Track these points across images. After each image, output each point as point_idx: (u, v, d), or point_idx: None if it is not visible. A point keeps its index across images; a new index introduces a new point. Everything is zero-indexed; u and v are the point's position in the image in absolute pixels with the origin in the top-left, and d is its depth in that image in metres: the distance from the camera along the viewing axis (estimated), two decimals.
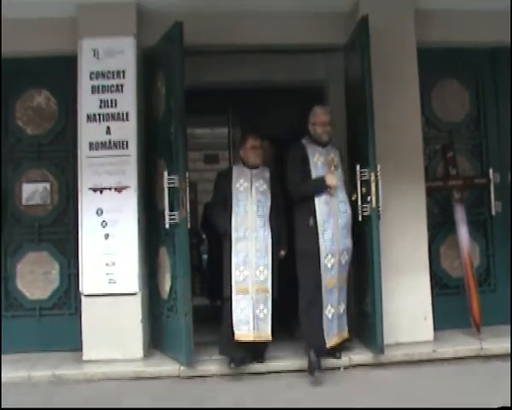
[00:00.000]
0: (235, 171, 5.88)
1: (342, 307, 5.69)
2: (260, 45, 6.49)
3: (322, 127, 5.77)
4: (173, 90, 5.82)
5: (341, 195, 5.67)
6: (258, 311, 5.52)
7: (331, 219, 5.56)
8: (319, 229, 5.52)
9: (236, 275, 5.55)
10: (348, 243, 5.67)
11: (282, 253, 5.81)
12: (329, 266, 5.52)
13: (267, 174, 5.85)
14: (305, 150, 5.74)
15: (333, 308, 5.57)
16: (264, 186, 5.77)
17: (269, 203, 5.72)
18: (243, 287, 5.54)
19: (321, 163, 5.70)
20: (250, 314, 5.50)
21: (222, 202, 5.78)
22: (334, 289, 5.57)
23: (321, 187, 5.58)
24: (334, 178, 5.58)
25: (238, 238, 5.60)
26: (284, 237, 5.83)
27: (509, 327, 6.10)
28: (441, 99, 6.85)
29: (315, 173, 5.66)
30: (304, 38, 6.45)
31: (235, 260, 5.58)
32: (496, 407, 3.74)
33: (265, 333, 5.55)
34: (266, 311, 5.54)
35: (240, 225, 5.62)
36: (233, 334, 5.51)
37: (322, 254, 5.50)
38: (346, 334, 5.76)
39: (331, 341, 5.56)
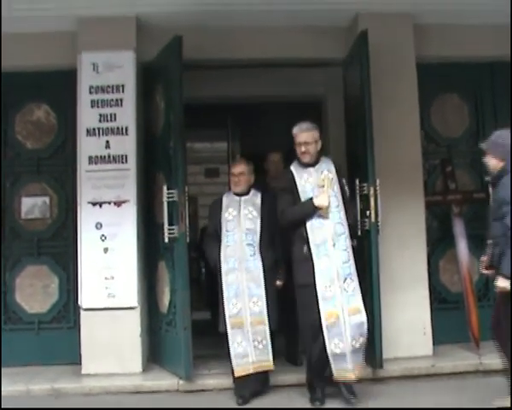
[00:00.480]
0: (225, 199, 5.59)
1: (358, 342, 4.98)
2: (260, 60, 6.52)
3: (303, 147, 5.25)
4: (172, 104, 5.83)
5: (338, 215, 5.13)
6: (256, 343, 5.25)
7: (326, 244, 5.05)
8: (313, 257, 5.03)
9: (230, 308, 5.26)
10: (351, 268, 5.08)
11: (278, 283, 5.53)
12: (329, 296, 4.98)
13: (258, 200, 5.54)
14: (292, 175, 5.27)
15: (341, 343, 4.93)
16: (254, 213, 5.46)
17: (259, 230, 5.44)
18: (238, 321, 5.25)
19: (310, 184, 5.21)
20: (248, 347, 5.23)
21: (214, 233, 5.57)
22: (338, 322, 4.93)
23: (310, 210, 5.10)
24: (323, 199, 5.07)
25: (228, 270, 5.32)
26: (280, 265, 5.54)
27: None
28: (440, 113, 6.87)
29: (304, 197, 5.19)
30: (303, 52, 6.47)
31: (227, 293, 5.29)
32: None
33: (267, 362, 5.29)
34: (265, 342, 5.27)
35: (229, 256, 5.35)
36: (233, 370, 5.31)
37: (319, 285, 4.99)
38: (357, 372, 5.05)
39: (343, 374, 5.03)
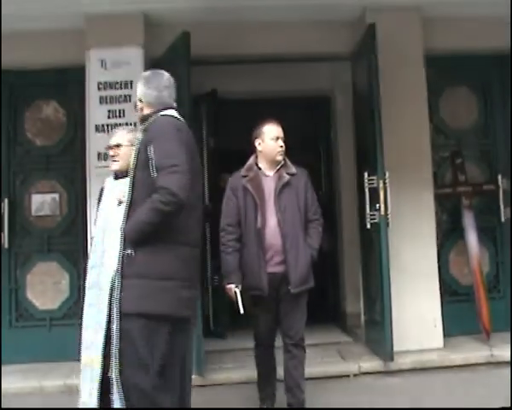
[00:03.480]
0: None
1: None
2: (267, 55, 6.52)
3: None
4: (181, 101, 5.83)
5: None
6: None
7: None
8: None
9: None
10: None
11: None
12: None
13: None
14: None
15: None
16: None
17: None
18: None
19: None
20: None
21: None
22: None
23: None
24: None
25: None
26: None
27: None
28: (449, 106, 6.86)
29: None
30: (310, 46, 6.45)
31: None
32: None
33: None
34: None
35: None
36: None
37: None
38: None
39: None
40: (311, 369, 5.54)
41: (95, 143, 6.05)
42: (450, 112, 6.86)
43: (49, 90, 6.54)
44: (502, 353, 5.78)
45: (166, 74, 3.88)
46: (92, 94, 6.09)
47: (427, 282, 6.14)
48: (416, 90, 6.32)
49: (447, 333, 6.18)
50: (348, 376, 5.60)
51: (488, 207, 6.74)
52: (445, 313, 6.22)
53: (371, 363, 5.78)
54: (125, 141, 4.29)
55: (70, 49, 6.17)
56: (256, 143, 4.60)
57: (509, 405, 3.66)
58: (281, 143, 4.55)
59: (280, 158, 4.55)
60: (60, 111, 6.57)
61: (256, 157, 4.63)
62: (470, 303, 6.31)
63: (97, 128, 6.06)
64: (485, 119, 6.92)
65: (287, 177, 4.50)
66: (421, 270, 6.09)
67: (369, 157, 5.90)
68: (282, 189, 4.47)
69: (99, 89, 6.08)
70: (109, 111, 6.07)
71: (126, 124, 6.01)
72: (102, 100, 6.08)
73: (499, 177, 6.54)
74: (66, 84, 6.48)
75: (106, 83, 6.09)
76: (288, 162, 4.61)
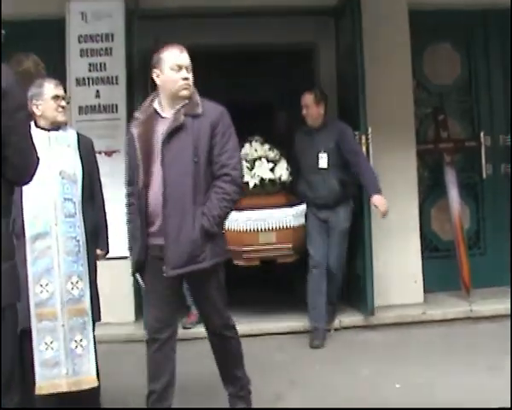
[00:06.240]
0: None
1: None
2: (247, 8, 6.35)
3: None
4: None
5: None
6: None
7: None
8: None
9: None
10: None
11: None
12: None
13: None
14: None
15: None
16: None
17: None
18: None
19: None
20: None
21: None
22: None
23: None
24: None
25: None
26: None
27: (498, 289, 6.23)
28: (433, 62, 6.81)
29: None
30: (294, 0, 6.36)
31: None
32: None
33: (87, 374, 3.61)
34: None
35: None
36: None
37: None
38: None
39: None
40: (292, 323, 5.64)
41: (76, 96, 5.95)
42: (433, 68, 6.82)
43: (28, 43, 6.39)
44: (481, 308, 5.87)
45: None
46: (72, 47, 6.00)
47: (408, 238, 6.18)
48: (399, 45, 6.27)
49: (427, 289, 6.25)
50: (329, 330, 5.64)
51: (470, 163, 6.77)
52: (426, 268, 6.27)
53: (352, 318, 5.84)
54: None
55: (50, 1, 6.03)
56: (154, 76, 3.54)
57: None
58: (185, 73, 3.47)
59: (185, 93, 3.47)
60: (40, 64, 6.43)
61: (156, 94, 3.60)
62: (451, 259, 6.36)
63: (78, 81, 5.99)
64: (469, 75, 6.89)
65: (181, 118, 3.42)
66: (403, 226, 6.12)
67: (352, 113, 5.89)
68: (170, 134, 3.40)
69: (79, 42, 5.98)
70: (90, 64, 5.99)
71: (107, 77, 5.97)
72: (83, 53, 5.99)
73: (482, 133, 6.55)
74: (47, 36, 6.35)
75: (86, 36, 5.99)
76: (197, 99, 3.52)
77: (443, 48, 6.84)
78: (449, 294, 6.31)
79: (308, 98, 5.60)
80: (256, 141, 5.86)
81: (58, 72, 6.23)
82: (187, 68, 3.48)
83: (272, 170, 5.71)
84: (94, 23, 5.99)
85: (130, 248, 3.68)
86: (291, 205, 5.66)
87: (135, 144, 3.48)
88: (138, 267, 3.63)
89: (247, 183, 5.50)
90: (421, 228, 6.34)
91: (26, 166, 2.45)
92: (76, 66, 6.00)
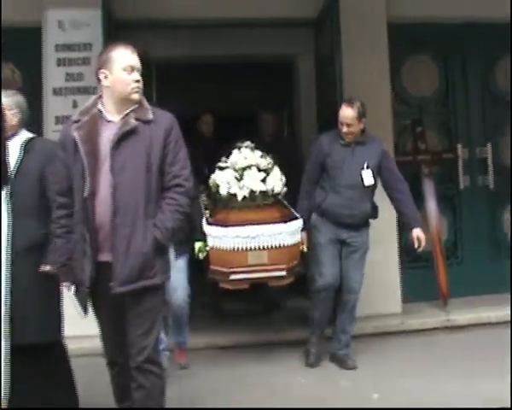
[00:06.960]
0: None
1: None
2: (229, 19, 6.39)
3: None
4: None
5: None
6: None
7: None
8: None
9: None
10: None
11: None
12: None
13: None
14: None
15: None
16: None
17: None
18: None
19: None
20: None
21: None
22: None
23: None
24: None
25: None
26: None
27: (474, 298, 6.34)
28: (411, 75, 6.88)
29: None
30: (274, 11, 6.36)
31: None
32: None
33: None
34: None
35: None
36: None
37: None
38: None
39: None
40: (271, 337, 5.60)
41: (52, 106, 5.93)
42: (412, 80, 6.88)
43: (5, 51, 6.35)
44: (457, 317, 5.93)
45: None
46: (49, 56, 5.94)
47: (386, 248, 6.18)
48: (378, 57, 6.30)
49: (405, 299, 6.26)
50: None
51: (448, 175, 6.82)
52: (404, 278, 6.30)
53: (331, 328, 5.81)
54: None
55: (27, 9, 5.98)
56: (101, 76, 3.27)
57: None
58: (137, 76, 3.27)
59: (136, 97, 3.27)
60: (16, 72, 6.40)
61: (100, 97, 3.35)
62: (429, 269, 6.41)
63: (55, 91, 5.94)
64: (446, 88, 6.97)
65: (133, 123, 3.19)
66: (381, 236, 6.11)
67: (331, 125, 5.88)
68: (121, 139, 3.16)
69: (57, 51, 5.92)
70: (67, 74, 5.94)
71: (85, 88, 5.92)
72: (60, 62, 5.94)
73: (459, 146, 6.62)
74: (23, 45, 6.29)
75: (64, 45, 5.94)
76: (146, 104, 3.33)
77: (422, 61, 6.91)
78: (427, 304, 6.34)
79: (349, 114, 4.95)
80: (246, 147, 4.99)
81: (34, 81, 6.24)
82: (138, 70, 3.28)
83: (264, 180, 4.82)
84: (71, 32, 5.93)
85: (66, 265, 3.30)
86: (285, 221, 4.77)
87: (78, 148, 3.17)
88: (80, 288, 3.24)
89: (235, 195, 4.76)
90: (399, 238, 6.35)
91: None
92: (53, 75, 5.94)
